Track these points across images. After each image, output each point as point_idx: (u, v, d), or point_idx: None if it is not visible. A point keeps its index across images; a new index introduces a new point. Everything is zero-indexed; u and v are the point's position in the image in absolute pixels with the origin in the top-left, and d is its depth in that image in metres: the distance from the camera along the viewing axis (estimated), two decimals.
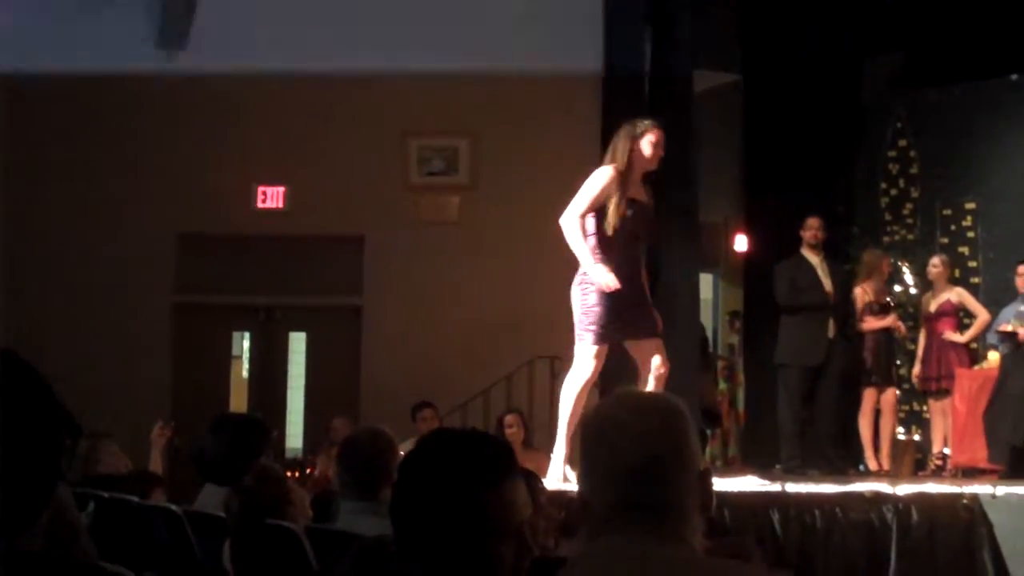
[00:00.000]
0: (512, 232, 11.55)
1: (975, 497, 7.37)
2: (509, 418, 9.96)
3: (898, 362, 10.95)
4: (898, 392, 10.86)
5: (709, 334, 14.12)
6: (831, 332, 10.23)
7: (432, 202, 12.03)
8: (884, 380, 10.58)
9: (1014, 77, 12.12)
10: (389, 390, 11.06)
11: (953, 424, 10.65)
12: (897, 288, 11.77)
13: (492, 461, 2.36)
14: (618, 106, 11.26)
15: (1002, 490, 7.71)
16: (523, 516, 2.37)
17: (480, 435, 2.57)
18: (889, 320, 10.59)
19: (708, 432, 12.73)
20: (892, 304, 10.73)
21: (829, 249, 10.52)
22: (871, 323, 10.53)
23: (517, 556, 2.35)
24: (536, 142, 11.68)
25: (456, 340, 11.45)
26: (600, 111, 11.44)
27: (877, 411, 10.63)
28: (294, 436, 12.20)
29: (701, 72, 12.26)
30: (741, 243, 13.74)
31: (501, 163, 11.83)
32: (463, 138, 11.98)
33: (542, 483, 4.84)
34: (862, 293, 10.61)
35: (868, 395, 10.62)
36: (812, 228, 10.33)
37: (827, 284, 10.28)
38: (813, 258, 10.33)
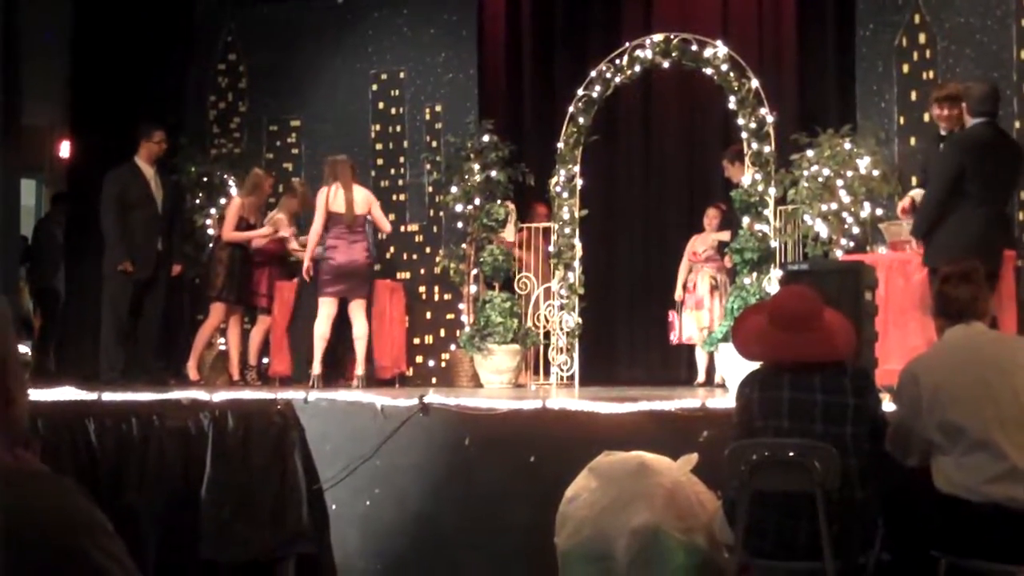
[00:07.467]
0: None
1: (288, 403, 7.69)
2: None
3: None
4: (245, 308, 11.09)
5: (31, 242, 13.62)
6: (160, 244, 10.24)
7: None
8: (237, 297, 10.78)
9: (340, 1, 12.54)
10: None
11: (273, 335, 11.03)
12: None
13: None
14: None
15: (314, 395, 8.13)
16: None
17: None
18: (268, 231, 10.84)
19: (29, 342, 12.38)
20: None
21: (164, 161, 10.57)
22: (239, 236, 10.69)
23: None
24: None
25: None
26: None
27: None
28: None
29: None
30: (66, 149, 13.30)
31: None
32: None
33: None
34: (239, 207, 10.72)
35: (216, 309, 10.76)
36: (160, 140, 10.30)
37: (159, 196, 10.27)
38: (147, 169, 10.27)
